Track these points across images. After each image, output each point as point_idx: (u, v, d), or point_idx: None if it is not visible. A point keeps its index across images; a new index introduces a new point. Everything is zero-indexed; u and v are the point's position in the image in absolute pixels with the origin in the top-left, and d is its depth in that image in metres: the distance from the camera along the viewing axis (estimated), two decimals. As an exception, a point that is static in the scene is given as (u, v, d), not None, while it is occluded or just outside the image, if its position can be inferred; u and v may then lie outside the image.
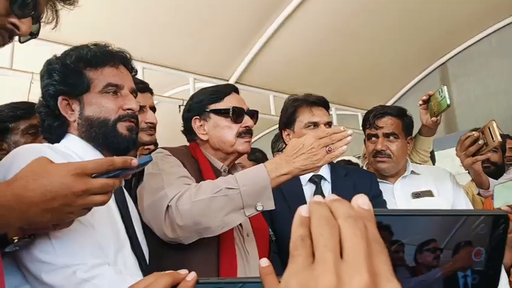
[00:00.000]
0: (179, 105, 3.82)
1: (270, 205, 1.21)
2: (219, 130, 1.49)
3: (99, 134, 1.11)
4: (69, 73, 1.11)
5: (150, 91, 1.78)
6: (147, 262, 1.13)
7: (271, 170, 1.21)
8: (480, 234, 0.42)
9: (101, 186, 0.80)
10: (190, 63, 4.04)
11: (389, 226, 0.40)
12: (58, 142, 1.13)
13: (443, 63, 5.16)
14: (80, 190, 0.78)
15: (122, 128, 1.13)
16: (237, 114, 1.49)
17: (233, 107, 1.49)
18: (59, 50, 1.22)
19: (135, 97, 1.20)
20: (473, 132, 1.72)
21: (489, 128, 1.66)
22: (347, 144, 1.22)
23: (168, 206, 1.19)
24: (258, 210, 1.20)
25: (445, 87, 1.76)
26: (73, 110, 1.12)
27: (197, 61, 4.04)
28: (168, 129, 2.50)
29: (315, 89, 4.52)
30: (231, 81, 4.37)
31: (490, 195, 1.71)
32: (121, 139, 1.12)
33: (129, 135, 1.14)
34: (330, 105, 5.56)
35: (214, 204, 1.16)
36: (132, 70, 1.25)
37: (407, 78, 5.39)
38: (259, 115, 5.03)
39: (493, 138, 1.64)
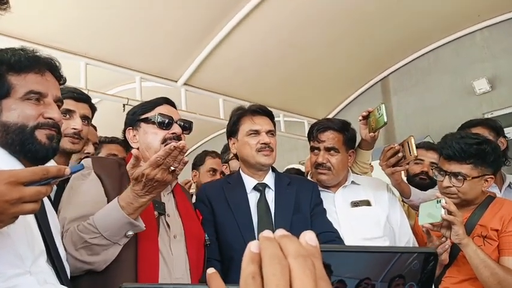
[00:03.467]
0: (124, 104, 3.69)
1: (140, 228, 1.25)
2: (146, 137, 1.53)
3: (15, 140, 1.04)
4: None
5: (89, 104, 1.78)
6: (68, 274, 1.09)
7: (127, 207, 1.22)
8: (413, 270, 0.44)
9: (33, 195, 0.80)
10: (137, 62, 3.92)
11: (329, 265, 0.42)
12: None
13: (385, 77, 5.45)
14: (13, 199, 0.77)
15: (41, 135, 1.08)
16: (162, 120, 1.52)
17: (159, 113, 1.53)
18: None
19: (61, 106, 1.17)
20: (395, 145, 1.84)
21: (408, 143, 1.78)
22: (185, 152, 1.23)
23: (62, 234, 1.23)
24: (129, 236, 1.25)
25: (383, 105, 1.85)
26: None
27: (145, 60, 3.93)
28: (111, 128, 2.41)
29: (264, 95, 4.59)
30: (180, 83, 4.30)
31: (417, 213, 1.82)
32: (39, 147, 1.07)
33: (49, 144, 1.09)
34: (278, 111, 5.61)
35: (86, 251, 1.20)
36: (61, 78, 1.21)
37: (351, 89, 5.64)
38: (209, 118, 4.96)
39: (410, 153, 1.76)
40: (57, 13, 3.04)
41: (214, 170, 2.82)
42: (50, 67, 1.15)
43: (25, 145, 1.05)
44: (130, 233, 1.24)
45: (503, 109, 4.39)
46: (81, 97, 1.75)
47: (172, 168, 1.22)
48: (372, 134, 1.95)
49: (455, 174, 1.70)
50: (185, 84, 4.34)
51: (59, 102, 1.16)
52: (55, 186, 1.43)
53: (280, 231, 0.40)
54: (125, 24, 3.40)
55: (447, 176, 1.72)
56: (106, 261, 1.24)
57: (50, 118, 1.09)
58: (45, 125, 1.09)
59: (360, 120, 1.99)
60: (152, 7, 3.30)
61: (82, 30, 3.31)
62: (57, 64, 1.19)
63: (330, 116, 5.62)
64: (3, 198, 0.75)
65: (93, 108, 1.83)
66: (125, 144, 1.64)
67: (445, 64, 4.88)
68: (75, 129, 1.64)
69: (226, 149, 2.82)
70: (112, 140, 2.37)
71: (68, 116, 1.66)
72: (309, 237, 0.39)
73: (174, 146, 1.19)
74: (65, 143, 1.61)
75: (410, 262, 0.44)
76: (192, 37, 3.83)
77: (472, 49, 4.66)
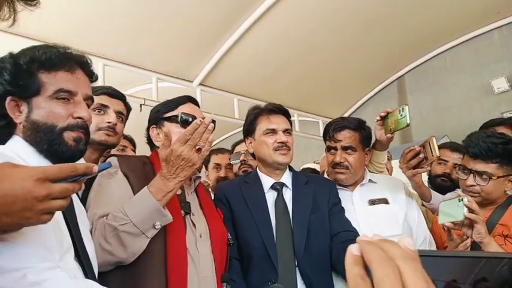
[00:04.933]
0: (140, 105, 3.73)
1: (168, 219, 1.28)
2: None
3: (43, 139, 1.05)
4: (21, 74, 1.05)
5: (124, 101, 1.80)
6: (94, 271, 1.10)
7: (156, 192, 1.25)
8: (502, 275, 0.45)
9: (61, 191, 0.80)
10: (153, 62, 3.96)
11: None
12: (2, 143, 1.06)
13: (401, 76, 5.39)
14: (41, 195, 0.77)
15: (69, 137, 1.09)
16: (186, 119, 1.54)
17: (182, 112, 1.55)
18: (17, 43, 1.16)
19: (91, 104, 1.18)
20: (416, 146, 1.81)
21: (429, 143, 1.74)
22: (211, 130, 1.26)
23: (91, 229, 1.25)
24: (157, 229, 1.26)
25: (407, 106, 1.80)
26: (20, 112, 1.06)
27: (161, 60, 3.97)
28: (128, 127, 2.44)
29: (279, 95, 4.58)
30: (195, 83, 4.33)
31: (436, 212, 1.80)
32: (66, 148, 1.08)
33: (75, 146, 1.10)
34: (292, 111, 5.59)
35: (115, 241, 1.22)
36: (92, 76, 1.20)
37: (367, 89, 5.59)
38: (224, 118, 4.96)
39: (432, 153, 1.73)
40: (74, 15, 3.09)
41: (218, 165, 2.88)
42: (81, 64, 1.15)
43: (52, 145, 1.06)
44: (158, 223, 1.25)
45: (523, 108, 4.31)
46: (116, 94, 1.75)
47: (198, 146, 1.26)
48: (389, 135, 1.93)
49: (481, 173, 1.67)
50: (200, 84, 4.37)
51: (89, 100, 1.16)
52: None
53: (377, 236, 0.40)
54: (142, 25, 3.45)
55: (471, 175, 1.69)
56: (134, 253, 1.25)
57: (79, 117, 1.10)
58: (75, 126, 1.09)
59: (377, 121, 1.97)
60: (168, 8, 3.33)
61: (99, 32, 3.36)
62: (89, 61, 1.19)
63: (345, 116, 5.60)
64: (32, 194, 0.76)
65: (127, 107, 1.83)
66: (149, 141, 1.65)
67: (463, 63, 4.81)
68: (109, 122, 1.65)
69: (236, 144, 2.90)
70: None
71: (102, 111, 1.67)
72: (407, 242, 0.39)
73: (201, 121, 1.24)
74: (100, 136, 1.63)
75: (500, 267, 0.45)
76: (207, 38, 3.86)
77: (490, 48, 4.58)
